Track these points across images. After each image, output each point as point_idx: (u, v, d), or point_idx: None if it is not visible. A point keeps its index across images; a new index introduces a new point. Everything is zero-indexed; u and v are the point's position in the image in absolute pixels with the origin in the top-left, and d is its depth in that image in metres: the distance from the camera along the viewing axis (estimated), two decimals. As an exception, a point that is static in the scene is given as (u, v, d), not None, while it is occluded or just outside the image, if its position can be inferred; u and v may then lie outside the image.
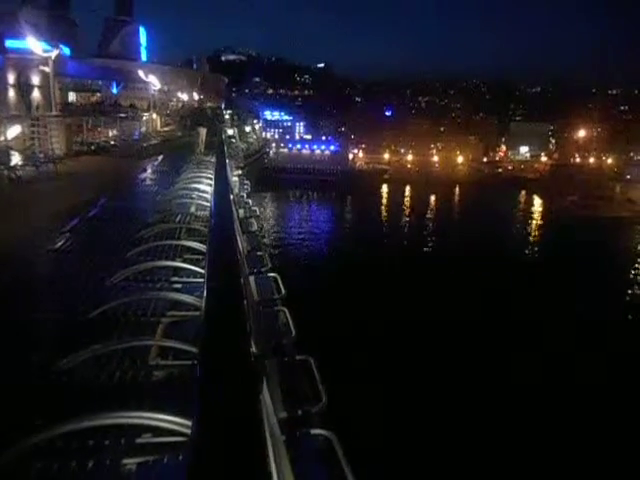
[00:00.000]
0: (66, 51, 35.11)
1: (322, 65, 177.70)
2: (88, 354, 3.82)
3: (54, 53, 27.63)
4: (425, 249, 51.98)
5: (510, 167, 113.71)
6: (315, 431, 3.20)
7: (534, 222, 69.54)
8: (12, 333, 4.67)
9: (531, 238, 60.19)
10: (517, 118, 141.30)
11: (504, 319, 29.04)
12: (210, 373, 1.30)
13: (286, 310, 5.41)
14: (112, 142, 32.73)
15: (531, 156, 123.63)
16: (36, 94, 28.77)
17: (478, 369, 23.25)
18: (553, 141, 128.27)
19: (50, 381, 3.72)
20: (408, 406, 19.79)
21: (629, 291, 40.00)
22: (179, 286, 5.83)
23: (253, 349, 2.39)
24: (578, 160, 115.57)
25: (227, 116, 76.01)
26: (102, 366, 3.89)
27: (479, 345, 25.75)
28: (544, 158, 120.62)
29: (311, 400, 3.58)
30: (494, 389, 21.54)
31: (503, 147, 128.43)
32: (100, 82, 47.09)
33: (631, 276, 44.23)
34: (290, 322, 5.11)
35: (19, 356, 4.20)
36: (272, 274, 6.88)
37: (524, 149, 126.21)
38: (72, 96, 39.14)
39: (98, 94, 44.82)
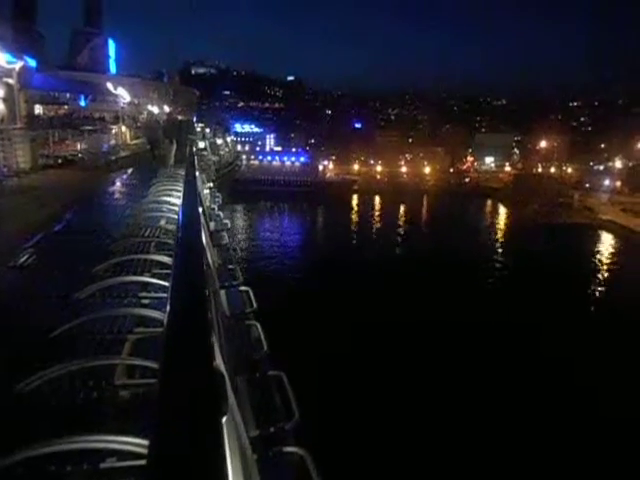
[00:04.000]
0: (32, 63, 34.15)
1: (292, 78, 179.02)
2: (50, 375, 3.65)
3: (18, 65, 26.92)
4: (395, 258, 52.70)
5: (476, 177, 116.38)
6: (288, 449, 3.12)
7: (498, 229, 72.12)
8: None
9: (494, 244, 62.21)
10: (483, 130, 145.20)
11: (470, 326, 29.50)
12: (168, 393, 1.23)
13: (258, 324, 5.31)
14: (80, 155, 32.00)
15: (496, 166, 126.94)
16: (0, 107, 27.95)
17: (447, 380, 23.47)
18: (517, 151, 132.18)
19: (9, 404, 3.54)
20: (379, 422, 19.81)
21: (586, 290, 42.07)
22: (147, 302, 5.67)
23: (221, 365, 2.32)
24: (540, 170, 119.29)
25: (198, 129, 75.54)
26: (65, 387, 3.73)
27: (447, 354, 26.05)
28: (508, 168, 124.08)
29: (284, 417, 3.51)
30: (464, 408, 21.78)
31: (469, 158, 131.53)
32: (68, 95, 46.20)
33: (585, 276, 46.37)
34: (262, 337, 5.02)
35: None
36: (244, 288, 6.77)
37: (489, 159, 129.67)
38: (39, 109, 38.22)
39: (66, 107, 43.93)
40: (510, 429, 19.75)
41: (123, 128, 49.27)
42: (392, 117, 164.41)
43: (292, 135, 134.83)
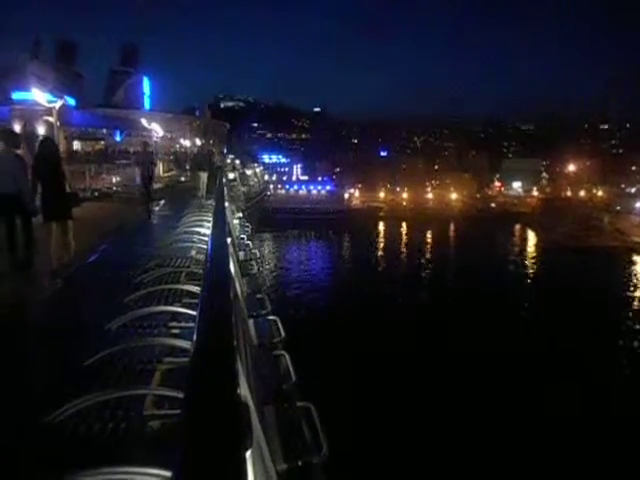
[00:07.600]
0: (71, 102, 36.10)
1: (318, 109, 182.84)
2: (80, 405, 3.69)
3: (58, 104, 28.33)
4: (424, 284, 51.98)
5: (503, 202, 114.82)
6: (316, 484, 3.04)
7: (527, 253, 70.94)
8: (3, 384, 4.55)
9: (523, 268, 60.89)
10: (510, 155, 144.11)
11: (504, 354, 28.51)
12: (188, 424, 1.22)
13: (286, 354, 5.25)
14: (114, 188, 33.16)
15: (524, 191, 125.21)
16: (40, 143, 29.35)
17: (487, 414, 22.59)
18: (546, 176, 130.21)
19: (40, 435, 3.58)
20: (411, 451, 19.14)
21: (618, 315, 40.05)
22: (177, 331, 5.70)
23: (248, 395, 2.30)
24: (569, 194, 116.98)
25: (228, 160, 77.41)
26: (95, 417, 3.75)
27: (483, 388, 25.12)
28: (536, 192, 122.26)
29: (312, 450, 3.42)
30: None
31: (496, 183, 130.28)
32: (104, 130, 48.37)
33: (617, 299, 44.44)
34: (290, 367, 4.95)
35: (10, 407, 4.07)
36: (272, 317, 6.75)
37: (517, 184, 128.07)
38: (77, 144, 39.99)
39: (102, 142, 45.86)
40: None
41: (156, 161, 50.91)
42: (418, 144, 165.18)
43: (318, 164, 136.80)
